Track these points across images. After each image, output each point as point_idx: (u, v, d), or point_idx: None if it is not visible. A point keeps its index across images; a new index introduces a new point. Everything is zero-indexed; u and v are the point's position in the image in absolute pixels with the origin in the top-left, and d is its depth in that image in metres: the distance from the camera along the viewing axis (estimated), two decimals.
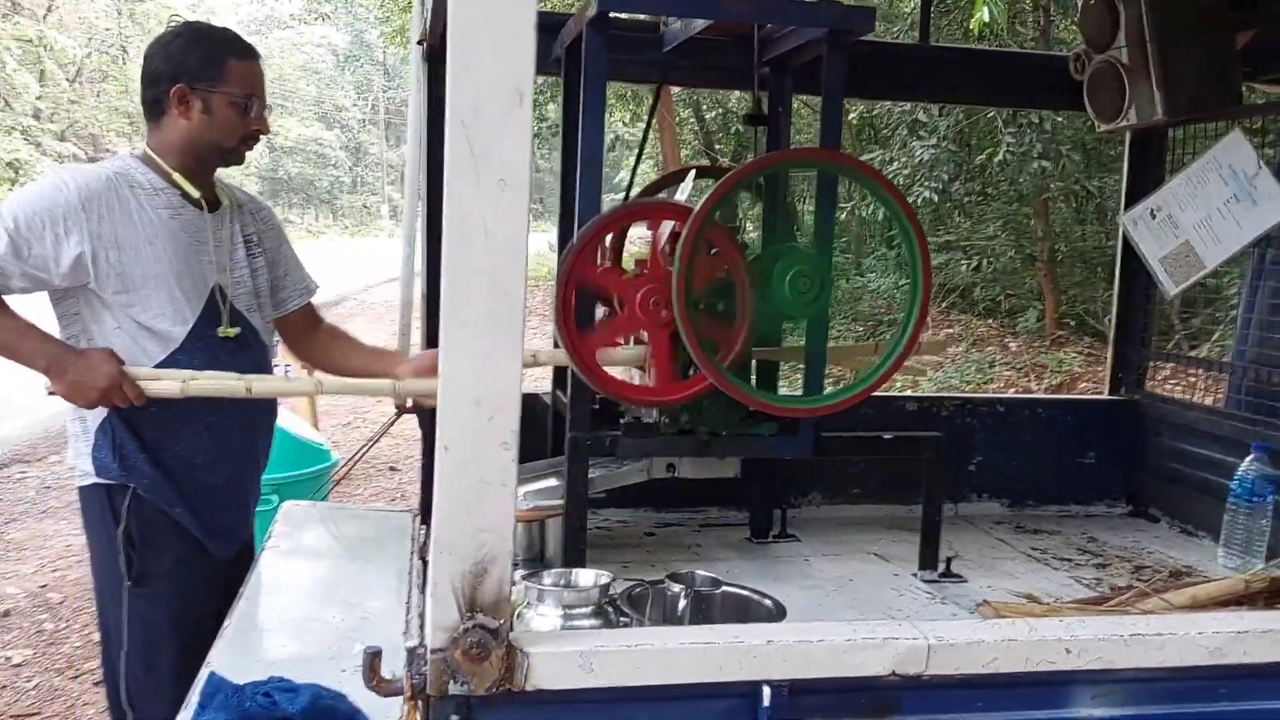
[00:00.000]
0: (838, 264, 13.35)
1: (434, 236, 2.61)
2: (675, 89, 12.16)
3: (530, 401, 2.78)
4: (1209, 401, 3.01)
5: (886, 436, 2.40)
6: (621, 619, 1.71)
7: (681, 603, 1.78)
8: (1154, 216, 2.82)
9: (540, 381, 2.85)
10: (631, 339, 2.25)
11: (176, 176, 2.20)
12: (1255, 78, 2.89)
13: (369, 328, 12.01)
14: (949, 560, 2.43)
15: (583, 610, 1.61)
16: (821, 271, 2.09)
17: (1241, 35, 2.74)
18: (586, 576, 1.71)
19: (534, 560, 2.34)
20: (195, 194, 2.22)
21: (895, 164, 10.91)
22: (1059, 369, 9.89)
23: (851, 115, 12.22)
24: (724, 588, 1.85)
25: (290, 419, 4.20)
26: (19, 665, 3.90)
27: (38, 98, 26.09)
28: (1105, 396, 3.15)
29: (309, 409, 5.68)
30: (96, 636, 4.16)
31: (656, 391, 2.15)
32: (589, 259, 2.11)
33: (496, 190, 1.02)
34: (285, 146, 35.54)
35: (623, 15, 2.52)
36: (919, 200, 10.36)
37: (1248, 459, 2.54)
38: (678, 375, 2.14)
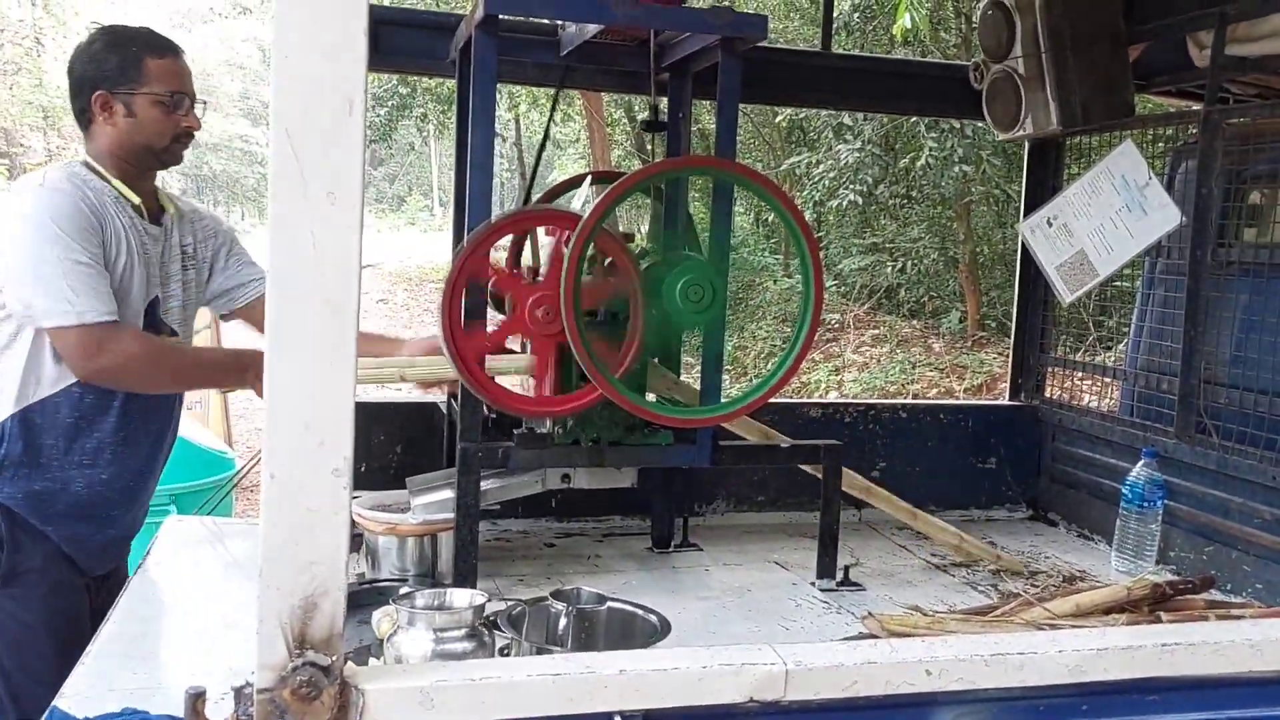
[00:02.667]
0: (768, 265, 13.47)
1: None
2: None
3: (426, 411, 2.73)
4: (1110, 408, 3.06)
5: (783, 445, 2.39)
6: (500, 640, 1.67)
7: (563, 621, 1.74)
8: (1050, 225, 2.85)
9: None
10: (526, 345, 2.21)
11: (117, 184, 2.16)
12: (1147, 89, 2.94)
13: None
14: (847, 568, 2.43)
15: (456, 633, 1.56)
16: (714, 279, 2.07)
17: (1134, 48, 2.78)
18: (461, 597, 1.65)
19: (425, 576, 2.28)
20: (135, 200, 2.18)
21: (822, 166, 11.02)
22: (980, 369, 10.06)
23: (780, 118, 12.32)
24: (609, 604, 1.81)
25: (192, 427, 4.07)
26: None
27: None
28: (1005, 402, 3.19)
29: (221, 413, 5.53)
30: None
31: (543, 402, 2.11)
32: (476, 264, 2.06)
33: (325, 203, 0.97)
34: (210, 143, 34.75)
35: (518, 18, 2.49)
36: (844, 203, 10.48)
37: (1138, 464, 2.58)
38: (565, 386, 2.10)
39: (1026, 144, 3.07)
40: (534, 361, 2.14)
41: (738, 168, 2.12)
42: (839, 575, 2.41)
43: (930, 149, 9.61)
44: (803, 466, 2.52)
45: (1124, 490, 2.60)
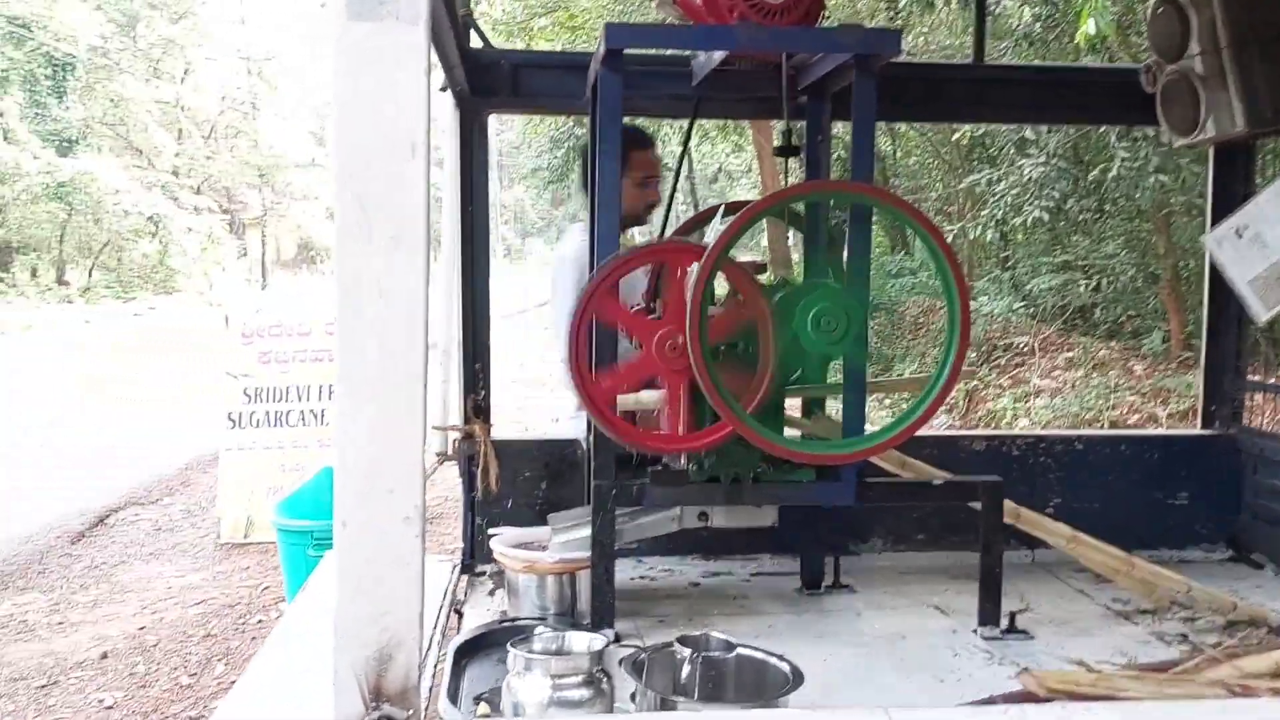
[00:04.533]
0: (934, 288, 12.93)
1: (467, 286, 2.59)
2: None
3: (565, 447, 2.72)
4: None
5: (936, 482, 2.24)
6: (627, 685, 1.61)
7: (686, 669, 1.67)
8: (1240, 235, 2.59)
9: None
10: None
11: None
12: None
13: None
14: (1013, 615, 2.25)
15: (573, 680, 1.52)
16: (849, 308, 1.97)
17: None
18: (579, 641, 1.61)
19: (565, 615, 2.26)
20: None
21: (1005, 183, 10.54)
22: (1187, 393, 9.29)
23: (959, 135, 11.89)
24: (738, 651, 1.73)
25: None
26: (110, 708, 4.01)
27: (175, 155, 27.61)
28: (1197, 431, 2.90)
29: None
30: (184, 680, 4.30)
31: (674, 439, 2.05)
32: (604, 300, 2.03)
33: (389, 247, 0.96)
34: None
35: (650, 51, 2.47)
36: (1030, 220, 9.98)
37: None
38: (699, 421, 2.04)
39: (1211, 150, 2.80)
40: (664, 397, 2.09)
41: (861, 188, 2.02)
42: (1004, 622, 2.23)
43: (1122, 159, 9.02)
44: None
45: None
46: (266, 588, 5.20)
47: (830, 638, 2.22)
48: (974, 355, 11.69)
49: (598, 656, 1.55)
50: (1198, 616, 2.34)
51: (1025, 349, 11.34)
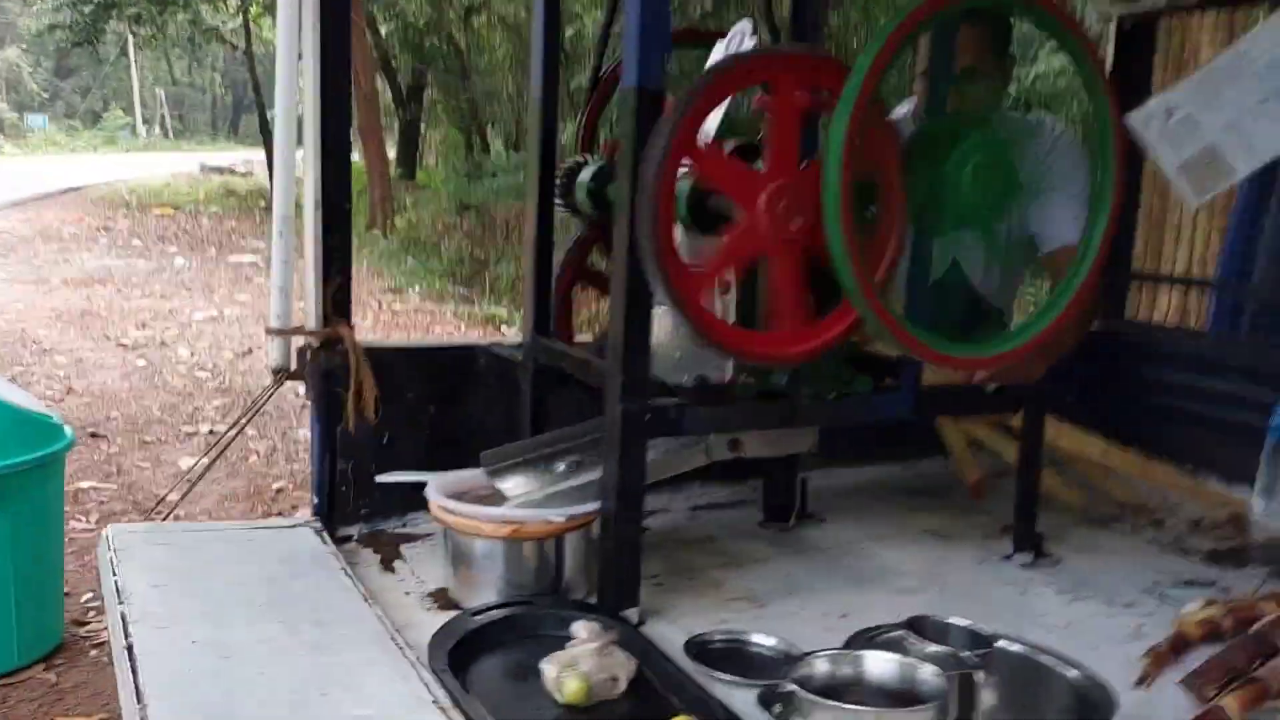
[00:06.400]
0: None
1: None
2: None
3: (458, 358, 1.99)
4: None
5: (990, 388, 1.85)
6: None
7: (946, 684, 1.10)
8: (1169, 116, 2.46)
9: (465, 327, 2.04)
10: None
11: None
12: None
13: None
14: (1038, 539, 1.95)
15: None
16: (1008, 162, 1.49)
17: None
18: (890, 666, 1.01)
19: (545, 593, 1.60)
20: None
21: None
22: None
23: None
24: (1004, 645, 1.19)
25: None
26: None
27: None
28: None
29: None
30: None
31: (786, 340, 1.46)
32: (688, 139, 1.36)
33: None
34: None
35: None
36: None
37: None
38: (811, 316, 1.47)
39: (1114, 27, 2.66)
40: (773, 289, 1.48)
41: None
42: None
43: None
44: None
45: (1276, 420, 2.28)
46: None
47: (872, 585, 1.77)
48: None
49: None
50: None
51: None
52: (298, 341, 1.80)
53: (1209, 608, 1.67)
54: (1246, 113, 2.34)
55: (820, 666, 1.02)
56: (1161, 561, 1.99)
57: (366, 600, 1.50)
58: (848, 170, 1.33)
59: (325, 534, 1.77)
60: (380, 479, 1.77)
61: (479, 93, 15.77)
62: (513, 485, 1.67)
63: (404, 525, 1.92)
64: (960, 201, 1.45)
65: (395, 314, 7.85)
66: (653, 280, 1.36)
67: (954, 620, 1.26)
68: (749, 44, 1.64)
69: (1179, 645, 1.56)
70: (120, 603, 1.42)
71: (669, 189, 1.34)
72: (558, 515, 1.53)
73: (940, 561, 1.91)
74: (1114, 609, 1.74)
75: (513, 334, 4.24)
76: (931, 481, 2.37)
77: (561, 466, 1.69)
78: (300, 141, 1.75)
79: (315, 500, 1.85)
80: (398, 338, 6.71)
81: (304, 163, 1.76)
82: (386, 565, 1.76)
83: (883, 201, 1.48)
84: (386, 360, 1.86)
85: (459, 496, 1.67)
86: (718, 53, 1.68)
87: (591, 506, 1.56)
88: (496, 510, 1.57)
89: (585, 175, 1.76)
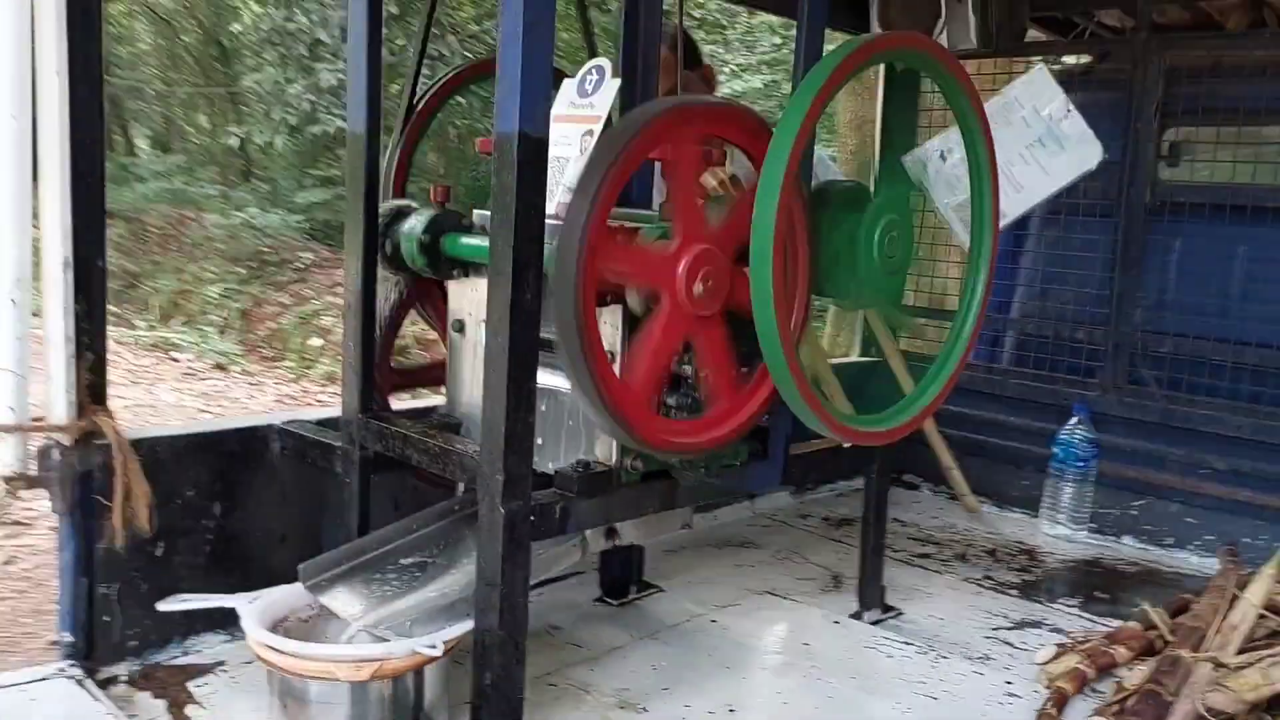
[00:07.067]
0: (189, 196, 11.41)
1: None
2: None
3: (242, 441, 1.64)
4: None
5: (846, 444, 1.77)
6: None
7: None
8: (944, 159, 2.53)
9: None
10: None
11: None
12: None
13: None
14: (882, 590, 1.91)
15: None
16: (907, 225, 1.40)
17: None
18: None
19: None
20: None
21: (297, 85, 9.69)
22: None
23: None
24: None
25: None
26: None
27: None
28: None
29: None
30: None
31: (723, 417, 1.30)
32: (601, 229, 1.15)
33: None
34: None
35: None
36: (331, 130, 9.35)
37: (1071, 421, 2.40)
38: (739, 383, 1.31)
39: (882, 70, 2.70)
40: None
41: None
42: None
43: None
44: None
45: (1056, 450, 2.41)
46: None
47: (743, 666, 1.64)
48: (245, 271, 10.75)
49: None
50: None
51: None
52: (36, 440, 1.39)
53: (1065, 657, 1.70)
54: (1016, 157, 2.44)
55: None
56: (984, 601, 2.02)
57: None
58: (780, 254, 1.18)
59: (87, 680, 1.37)
60: (162, 607, 1.39)
61: (120, 88, 14.23)
62: (344, 603, 1.37)
63: (184, 654, 1.55)
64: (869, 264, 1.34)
65: None
66: (585, 398, 1.14)
67: None
68: (608, 85, 1.44)
69: (1061, 702, 1.56)
70: None
71: (590, 294, 1.12)
72: (428, 646, 1.26)
73: (796, 628, 1.82)
74: (975, 663, 1.72)
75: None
76: (734, 531, 2.32)
77: (396, 575, 1.42)
78: (36, 176, 1.35)
79: (68, 638, 1.43)
80: None
81: (43, 205, 1.35)
82: (177, 713, 1.40)
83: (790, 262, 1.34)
84: (156, 452, 1.48)
85: (280, 624, 1.35)
86: (568, 90, 1.47)
87: (462, 627, 1.30)
88: (349, 649, 1.27)
89: (414, 225, 1.49)
